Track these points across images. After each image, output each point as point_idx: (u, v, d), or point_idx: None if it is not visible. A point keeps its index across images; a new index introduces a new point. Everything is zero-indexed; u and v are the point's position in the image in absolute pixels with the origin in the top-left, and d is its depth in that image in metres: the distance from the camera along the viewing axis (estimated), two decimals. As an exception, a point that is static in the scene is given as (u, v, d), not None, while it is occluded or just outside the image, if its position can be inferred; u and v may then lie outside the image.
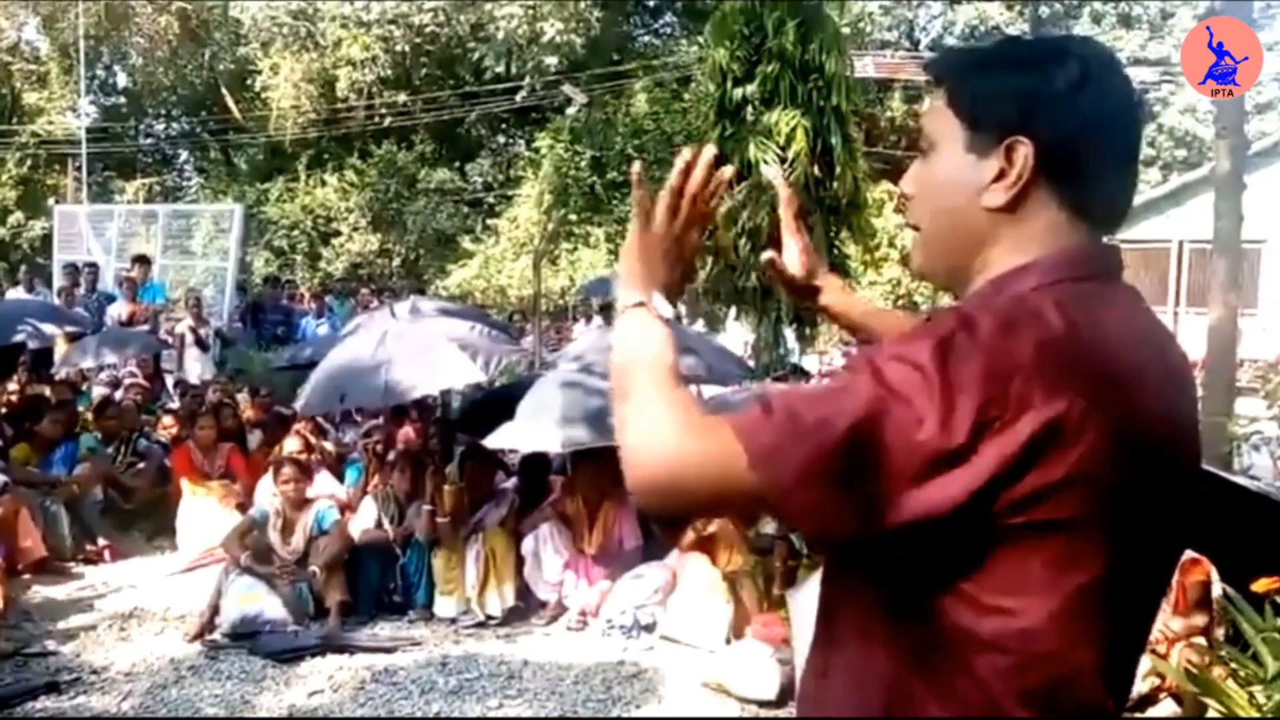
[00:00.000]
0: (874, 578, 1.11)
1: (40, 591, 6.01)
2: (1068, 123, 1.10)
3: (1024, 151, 1.10)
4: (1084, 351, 1.04)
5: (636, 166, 1.36)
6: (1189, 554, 3.79)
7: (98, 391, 9.19)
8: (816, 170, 8.62)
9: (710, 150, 1.31)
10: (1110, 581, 1.05)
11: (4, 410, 8.14)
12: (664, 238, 1.30)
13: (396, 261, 22.03)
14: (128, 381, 9.45)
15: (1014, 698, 1.05)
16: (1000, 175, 1.12)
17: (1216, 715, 3.46)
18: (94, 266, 13.11)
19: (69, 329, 9.96)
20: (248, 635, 5.20)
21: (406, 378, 5.85)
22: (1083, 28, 24.18)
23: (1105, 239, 1.17)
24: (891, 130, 20.27)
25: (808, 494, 1.01)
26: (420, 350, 5.97)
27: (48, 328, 9.72)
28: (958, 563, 1.04)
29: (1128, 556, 1.06)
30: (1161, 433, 1.08)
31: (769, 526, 5.68)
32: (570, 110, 18.88)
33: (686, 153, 1.30)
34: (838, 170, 8.74)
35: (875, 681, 1.11)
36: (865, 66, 18.55)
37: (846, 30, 12.93)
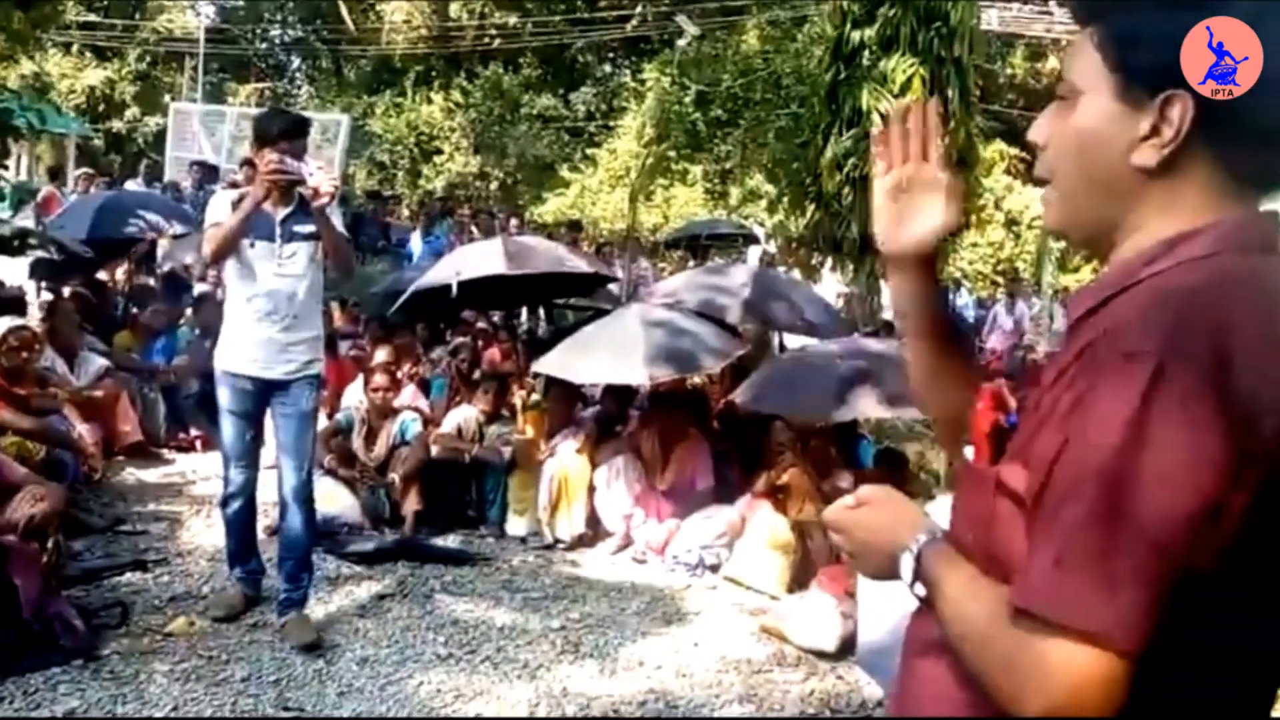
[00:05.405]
0: None
1: (134, 473, 6.28)
2: None
3: (1182, 107, 0.99)
4: (1262, 340, 0.94)
5: None
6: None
7: (199, 287, 9.45)
8: (928, 122, 8.35)
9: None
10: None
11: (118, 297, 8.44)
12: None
13: (494, 185, 22.13)
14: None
15: None
16: (1154, 132, 1.01)
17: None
18: (203, 165, 13.43)
19: (178, 226, 10.24)
20: (325, 535, 5.34)
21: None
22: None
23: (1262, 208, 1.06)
24: (1010, 89, 19.53)
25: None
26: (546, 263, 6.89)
27: (160, 222, 9.99)
28: None
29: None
30: None
31: (844, 481, 5.62)
32: (681, 42, 18.56)
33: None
34: (951, 124, 8.46)
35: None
36: (990, 20, 17.83)
37: (974, -21, 12.40)
